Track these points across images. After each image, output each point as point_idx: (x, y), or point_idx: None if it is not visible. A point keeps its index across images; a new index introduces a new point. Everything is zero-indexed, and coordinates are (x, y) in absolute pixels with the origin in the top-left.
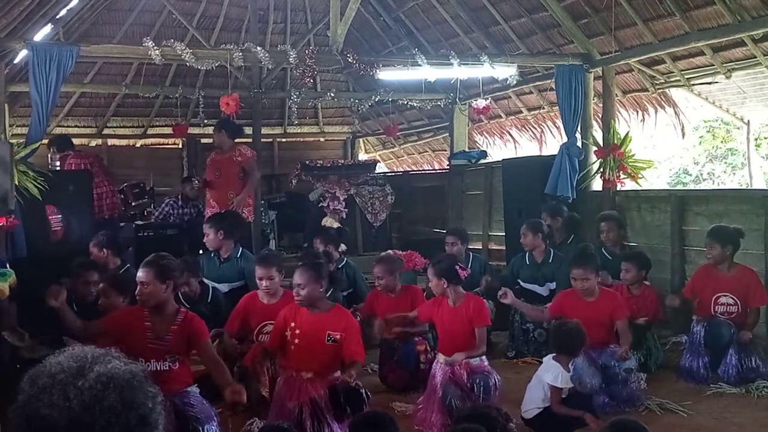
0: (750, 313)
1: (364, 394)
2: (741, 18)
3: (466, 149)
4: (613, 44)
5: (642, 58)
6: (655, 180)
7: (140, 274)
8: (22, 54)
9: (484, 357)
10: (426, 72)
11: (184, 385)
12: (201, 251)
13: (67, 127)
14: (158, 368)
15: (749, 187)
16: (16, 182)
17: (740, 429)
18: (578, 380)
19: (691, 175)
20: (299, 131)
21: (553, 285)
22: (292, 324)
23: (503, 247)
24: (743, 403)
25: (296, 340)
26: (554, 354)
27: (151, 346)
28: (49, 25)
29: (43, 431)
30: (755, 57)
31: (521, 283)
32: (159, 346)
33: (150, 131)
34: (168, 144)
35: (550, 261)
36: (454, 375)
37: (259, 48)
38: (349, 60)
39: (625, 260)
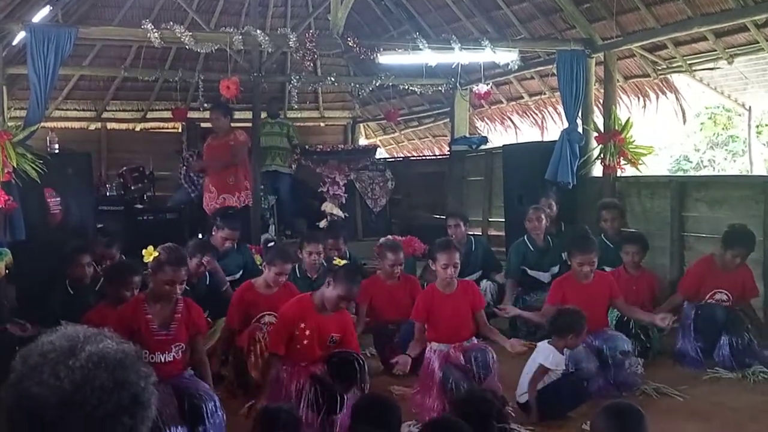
0: (745, 307)
1: (358, 363)
2: (744, 3)
3: (467, 135)
4: (615, 29)
5: (644, 43)
6: (655, 166)
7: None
8: (21, 36)
9: (474, 339)
10: (427, 56)
11: (182, 370)
12: (201, 234)
13: (66, 110)
14: (163, 360)
15: (749, 174)
16: (15, 165)
17: (736, 413)
18: (575, 364)
19: (691, 161)
20: (299, 116)
21: (556, 268)
22: (302, 325)
23: (503, 233)
24: (739, 388)
25: (305, 341)
26: (551, 339)
27: (157, 338)
28: (48, 6)
29: (34, 410)
30: (758, 42)
31: (527, 271)
32: (165, 337)
33: (149, 115)
34: (167, 128)
35: (551, 246)
36: (449, 359)
37: (259, 31)
38: (350, 44)
39: (628, 243)
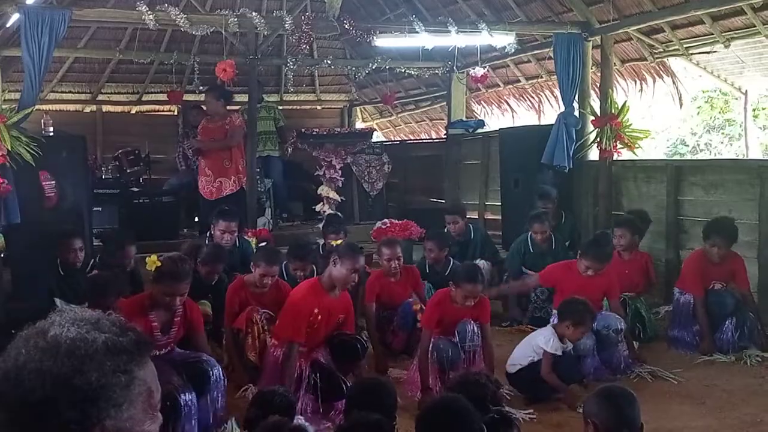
0: (744, 296)
1: (361, 345)
2: None
3: (464, 118)
4: (612, 12)
5: (641, 26)
6: (652, 150)
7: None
8: (14, 18)
9: None
10: (424, 39)
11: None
12: (196, 218)
13: (61, 92)
14: (156, 353)
15: (745, 158)
16: (9, 148)
17: (729, 395)
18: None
19: (688, 145)
20: (296, 99)
21: None
22: (316, 310)
23: (499, 217)
24: (734, 371)
25: (315, 326)
26: (555, 323)
27: (159, 343)
28: None
29: None
30: (754, 26)
31: (525, 270)
32: (165, 341)
33: (145, 98)
34: (163, 111)
35: (553, 248)
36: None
37: (254, 13)
38: (346, 27)
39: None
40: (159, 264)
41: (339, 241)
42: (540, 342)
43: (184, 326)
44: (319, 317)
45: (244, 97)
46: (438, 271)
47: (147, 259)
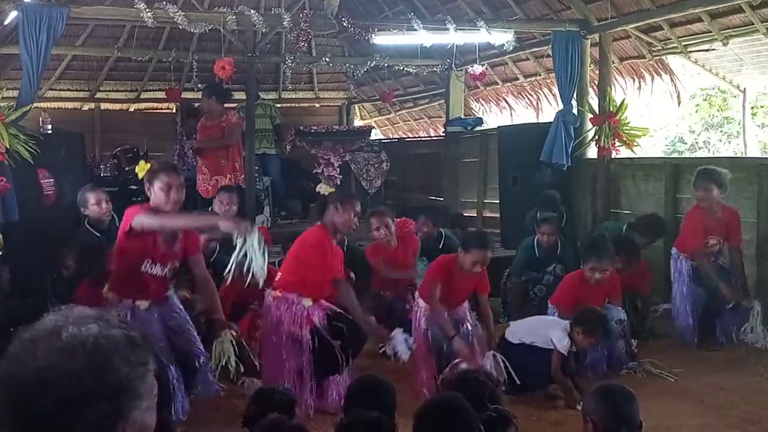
0: (732, 252)
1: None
2: None
3: (462, 116)
4: (611, 10)
5: (639, 24)
6: (650, 148)
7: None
8: (12, 15)
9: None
10: (422, 37)
11: (166, 292)
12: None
13: (60, 90)
14: (157, 273)
15: (743, 155)
16: (7, 146)
17: (728, 394)
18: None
19: (686, 143)
20: (294, 97)
21: (551, 267)
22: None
23: (498, 215)
24: (732, 369)
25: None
26: (571, 323)
27: (161, 251)
28: None
29: (12, 388)
30: (753, 24)
31: (530, 273)
32: (168, 251)
33: (143, 95)
34: (161, 108)
35: (558, 253)
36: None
37: (252, 11)
38: (345, 24)
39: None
40: (149, 166)
41: (331, 190)
42: (555, 338)
43: (184, 248)
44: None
45: (243, 95)
46: (432, 245)
47: (137, 167)
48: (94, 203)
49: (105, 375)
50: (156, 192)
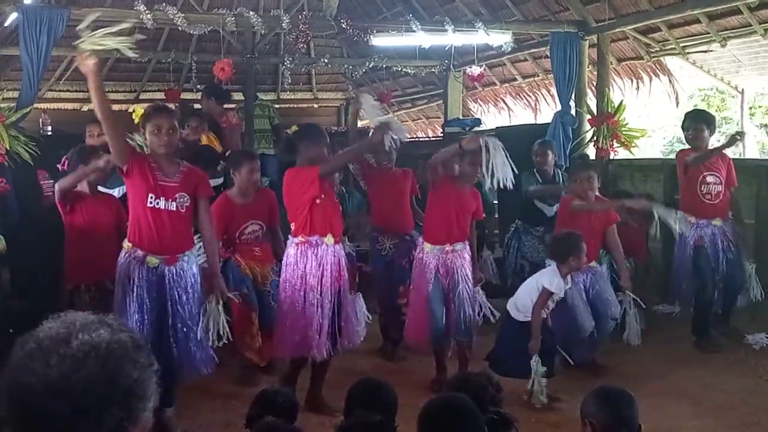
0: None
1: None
2: None
3: (461, 117)
4: (609, 11)
5: (637, 25)
6: (648, 149)
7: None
8: (12, 17)
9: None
10: (420, 38)
11: (186, 233)
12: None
13: (59, 91)
14: (168, 207)
15: (742, 157)
16: (7, 147)
17: (727, 396)
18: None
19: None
20: (293, 97)
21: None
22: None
23: (495, 216)
24: (731, 371)
25: (320, 198)
26: (555, 263)
27: (161, 182)
28: None
29: (22, 399)
30: (750, 25)
31: (536, 202)
32: (168, 183)
33: (142, 96)
34: None
35: (560, 181)
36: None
37: (251, 13)
38: (343, 25)
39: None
40: (142, 110)
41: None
42: (544, 282)
43: (190, 181)
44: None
45: (242, 96)
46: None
47: (133, 113)
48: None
49: (117, 380)
50: (148, 136)
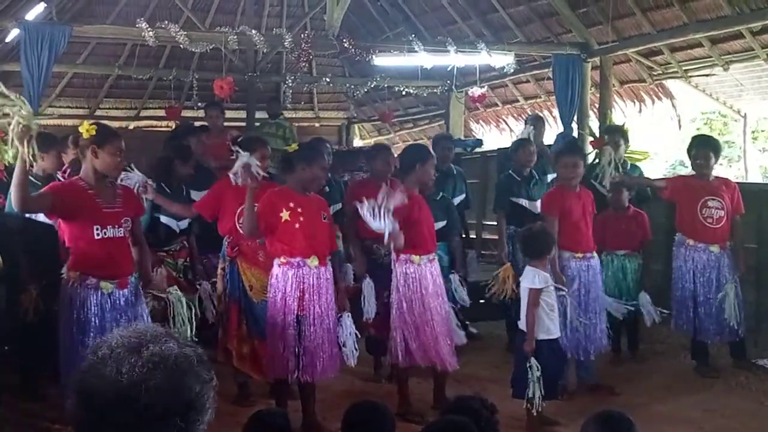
0: (734, 224)
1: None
2: (740, 10)
3: (462, 137)
4: (611, 34)
5: (640, 48)
6: (651, 171)
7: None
8: (14, 33)
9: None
10: (423, 59)
11: (133, 269)
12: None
13: (59, 107)
14: (116, 234)
15: (744, 181)
16: (6, 164)
17: (728, 420)
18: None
19: (687, 166)
20: (294, 116)
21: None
22: (291, 204)
23: (497, 237)
24: (731, 395)
25: (301, 218)
26: (529, 261)
27: (106, 210)
28: (42, 3)
29: (91, 400)
30: (753, 50)
31: (517, 201)
32: (113, 210)
33: (143, 113)
34: (161, 126)
35: (539, 177)
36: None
37: (254, 31)
38: (346, 45)
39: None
40: (94, 128)
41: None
42: (527, 284)
43: (129, 202)
44: (299, 210)
45: (243, 114)
46: None
47: (80, 128)
48: None
49: (181, 392)
50: (105, 157)
